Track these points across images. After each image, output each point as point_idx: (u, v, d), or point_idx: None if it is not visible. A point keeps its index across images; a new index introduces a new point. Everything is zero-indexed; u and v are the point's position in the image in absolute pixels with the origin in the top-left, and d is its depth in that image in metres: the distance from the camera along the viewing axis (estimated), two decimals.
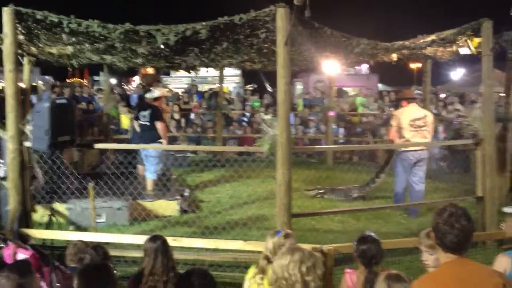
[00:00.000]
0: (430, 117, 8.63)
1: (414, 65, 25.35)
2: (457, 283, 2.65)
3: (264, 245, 3.98)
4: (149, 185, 9.18)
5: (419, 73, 22.78)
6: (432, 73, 11.53)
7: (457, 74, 27.77)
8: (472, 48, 7.37)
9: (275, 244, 3.83)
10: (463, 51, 7.69)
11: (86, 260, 4.01)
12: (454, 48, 8.05)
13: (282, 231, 3.97)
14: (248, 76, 28.87)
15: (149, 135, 9.21)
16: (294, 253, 3.02)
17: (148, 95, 9.77)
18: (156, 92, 9.72)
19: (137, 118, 9.49)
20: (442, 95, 19.16)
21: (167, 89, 19.85)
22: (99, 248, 4.22)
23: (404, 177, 8.61)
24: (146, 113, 9.35)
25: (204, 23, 5.87)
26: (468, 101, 17.37)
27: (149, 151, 9.14)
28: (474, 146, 7.16)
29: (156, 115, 9.30)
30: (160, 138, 9.19)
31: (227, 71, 16.96)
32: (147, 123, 9.28)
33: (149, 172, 9.21)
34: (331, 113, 13.23)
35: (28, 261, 3.58)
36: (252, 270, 3.96)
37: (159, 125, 9.19)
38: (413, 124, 8.42)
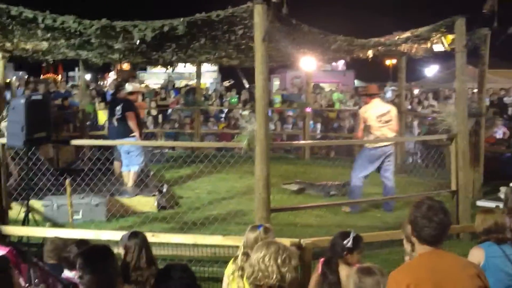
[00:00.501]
0: (394, 111, 8.64)
1: (389, 62, 25.66)
2: (432, 274, 2.70)
3: (243, 240, 4.01)
4: (131, 178, 9.19)
5: (394, 70, 23.08)
6: (406, 69, 11.69)
7: (431, 70, 28.13)
8: (446, 45, 7.51)
9: (255, 239, 3.86)
10: (437, 47, 7.84)
11: (71, 255, 3.97)
12: (429, 44, 8.20)
13: (262, 226, 4.01)
14: (225, 72, 28.83)
15: (123, 129, 9.21)
16: (269, 246, 3.09)
17: (122, 91, 9.79)
18: (129, 87, 9.75)
19: (113, 115, 9.47)
20: (416, 91, 19.44)
21: (144, 85, 19.71)
22: (81, 244, 4.18)
23: (370, 170, 8.52)
24: (119, 107, 9.38)
25: (181, 19, 5.87)
26: (442, 97, 17.68)
27: (125, 146, 9.11)
28: (448, 141, 7.30)
29: (127, 107, 9.30)
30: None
31: (204, 67, 16.91)
32: (120, 117, 9.29)
33: (132, 165, 9.22)
34: (308, 109, 13.32)
35: (6, 256, 3.56)
36: (231, 266, 3.99)
37: (129, 115, 9.17)
38: (381, 120, 8.43)
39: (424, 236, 2.78)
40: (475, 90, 10.26)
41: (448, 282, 2.69)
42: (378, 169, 8.60)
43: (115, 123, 9.41)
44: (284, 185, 9.71)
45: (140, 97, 16.87)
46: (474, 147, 9.30)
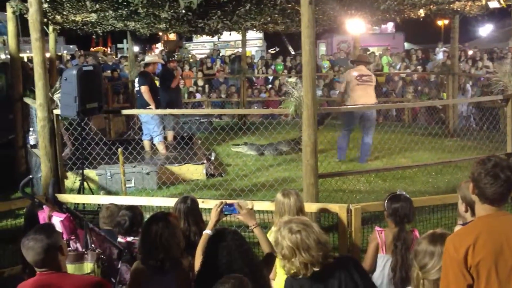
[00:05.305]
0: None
1: (441, 22, 24.76)
2: (491, 237, 2.58)
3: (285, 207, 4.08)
4: (160, 149, 9.42)
5: (446, 30, 22.23)
6: (459, 29, 11.22)
7: (485, 30, 26.97)
8: (502, 1, 7.14)
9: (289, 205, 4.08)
10: (492, 4, 7.48)
11: (126, 221, 4.13)
12: (483, 1, 7.82)
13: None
14: (270, 40, 28.60)
15: (140, 101, 9.50)
16: (311, 230, 2.95)
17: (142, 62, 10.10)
18: (146, 58, 9.95)
19: (134, 86, 9.92)
20: (470, 52, 18.71)
21: (188, 54, 19.81)
22: (133, 209, 4.30)
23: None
24: (137, 79, 9.63)
25: None
26: (496, 58, 16.95)
27: (142, 117, 9.41)
28: (504, 103, 7.02)
29: (141, 80, 9.47)
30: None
31: (250, 34, 16.81)
32: (137, 89, 9.55)
33: (154, 137, 9.43)
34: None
35: (51, 223, 3.72)
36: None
37: (142, 89, 9.35)
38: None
39: (487, 194, 2.63)
40: None
41: (507, 245, 2.59)
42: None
43: (137, 94, 9.78)
44: (233, 148, 9.92)
45: (187, 67, 17.09)
46: None
